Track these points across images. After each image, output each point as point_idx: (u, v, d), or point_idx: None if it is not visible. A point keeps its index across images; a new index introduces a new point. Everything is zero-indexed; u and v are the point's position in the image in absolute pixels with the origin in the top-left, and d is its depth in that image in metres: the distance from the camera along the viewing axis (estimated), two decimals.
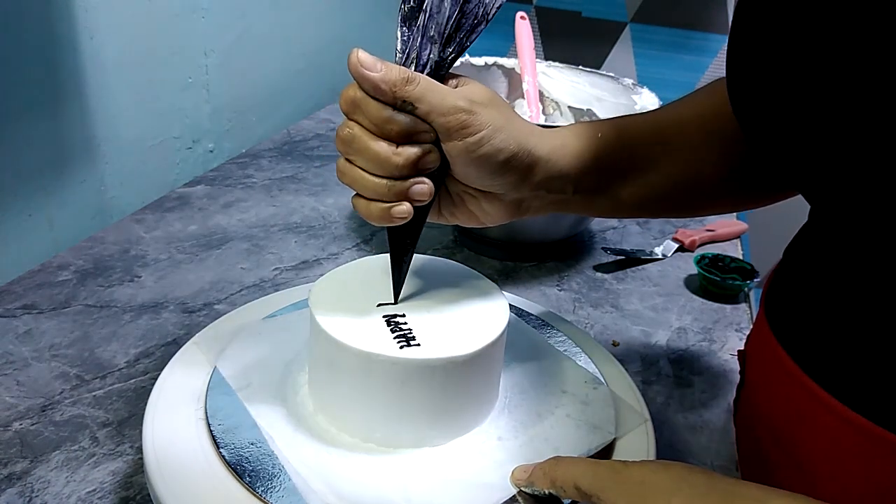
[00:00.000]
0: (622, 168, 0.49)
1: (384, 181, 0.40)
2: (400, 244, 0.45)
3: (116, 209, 0.90)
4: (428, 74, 0.41)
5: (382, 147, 0.40)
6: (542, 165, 0.45)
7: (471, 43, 0.42)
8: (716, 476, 0.32)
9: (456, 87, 0.42)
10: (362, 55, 0.39)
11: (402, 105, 0.39)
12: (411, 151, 0.40)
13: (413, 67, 0.41)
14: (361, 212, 0.42)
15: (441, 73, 0.42)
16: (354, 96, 0.40)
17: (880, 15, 0.30)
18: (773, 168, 0.45)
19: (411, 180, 0.41)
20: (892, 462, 0.37)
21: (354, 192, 0.42)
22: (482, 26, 0.41)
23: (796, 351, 0.42)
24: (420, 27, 0.40)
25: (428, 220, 0.46)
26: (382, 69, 0.39)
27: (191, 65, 0.99)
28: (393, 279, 0.47)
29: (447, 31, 0.41)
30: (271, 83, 1.20)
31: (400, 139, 0.40)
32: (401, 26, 0.41)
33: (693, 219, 1.02)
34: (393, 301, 0.47)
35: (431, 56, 0.41)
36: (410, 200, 0.41)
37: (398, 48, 0.41)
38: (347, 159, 0.41)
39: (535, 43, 1.32)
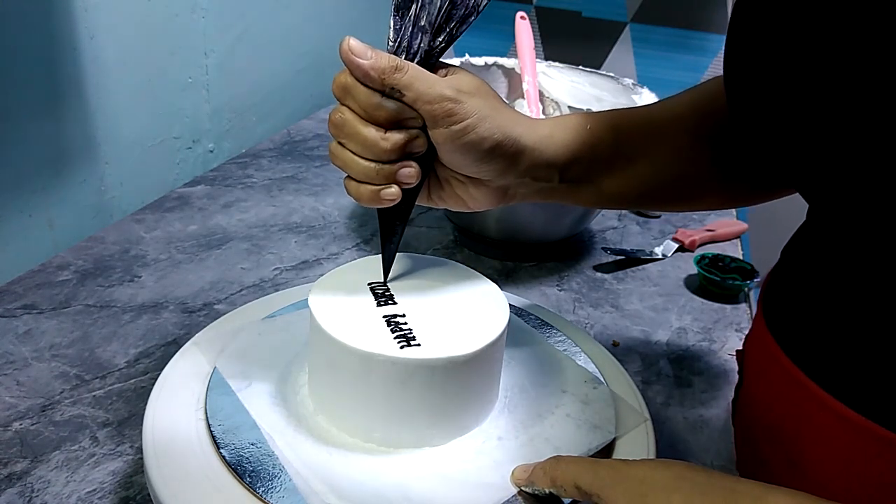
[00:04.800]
0: (608, 160, 0.50)
1: (373, 164, 0.42)
2: (389, 225, 0.47)
3: (116, 209, 0.90)
4: (418, 63, 0.42)
5: (371, 132, 0.41)
6: (528, 154, 0.46)
7: (460, 34, 0.43)
8: (716, 474, 0.32)
9: (445, 77, 0.43)
10: (353, 43, 0.40)
11: (391, 92, 0.41)
12: (398, 137, 0.41)
13: (404, 56, 0.42)
14: (352, 193, 0.43)
15: (431, 62, 0.43)
16: (346, 82, 0.41)
17: (878, 12, 0.30)
18: (769, 165, 0.45)
19: (399, 164, 0.42)
20: (889, 459, 0.37)
21: (346, 175, 0.43)
22: (473, 18, 0.42)
23: (793, 350, 0.42)
24: (412, 17, 0.41)
25: (419, 205, 0.48)
26: (372, 57, 0.40)
27: (191, 65, 0.99)
28: (382, 259, 0.48)
29: (438, 22, 0.42)
30: (271, 83, 1.20)
31: (388, 124, 0.41)
32: (393, 15, 0.42)
33: (693, 219, 1.02)
34: (382, 281, 0.49)
35: (422, 45, 0.42)
36: (398, 183, 0.43)
37: (390, 37, 0.42)
38: (339, 143, 0.43)
39: (535, 43, 1.32)
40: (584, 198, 0.51)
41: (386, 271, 0.48)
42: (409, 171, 0.43)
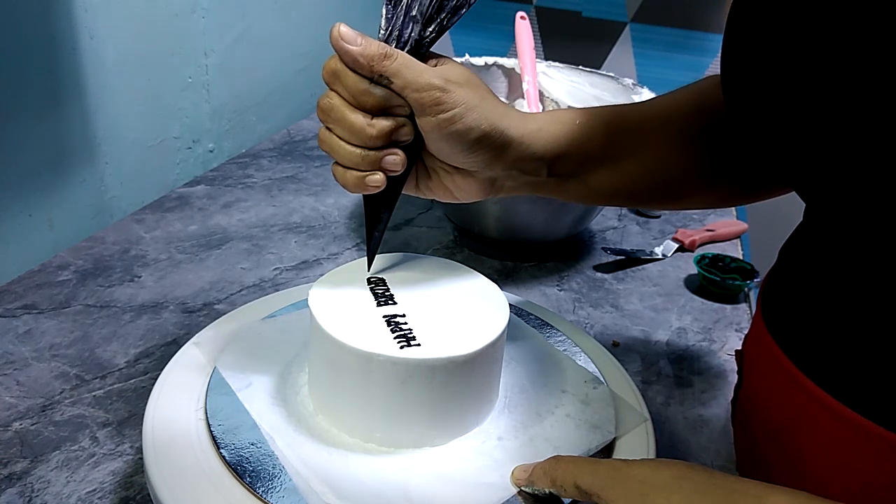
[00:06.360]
0: (598, 156, 0.50)
1: (359, 150, 0.42)
2: (374, 213, 0.47)
3: (116, 209, 0.90)
4: (408, 52, 0.42)
5: (358, 118, 0.41)
6: (516, 147, 0.46)
7: (451, 24, 0.43)
8: (716, 473, 0.32)
9: (435, 66, 0.43)
10: (343, 29, 0.41)
11: (379, 79, 0.41)
12: (385, 124, 0.42)
13: (394, 44, 0.42)
14: (338, 179, 0.44)
15: (421, 51, 0.43)
16: (335, 67, 0.41)
17: (875, 9, 0.30)
18: (766, 163, 0.45)
19: (385, 151, 0.43)
20: (888, 459, 0.37)
21: (333, 161, 0.44)
22: (464, 9, 0.43)
23: (792, 349, 0.42)
24: (404, 6, 0.42)
25: (406, 193, 0.48)
26: (362, 43, 0.40)
27: (191, 65, 0.99)
28: (367, 248, 0.48)
29: (429, 12, 0.42)
30: (271, 83, 1.20)
31: (375, 111, 0.42)
32: (386, 4, 0.42)
33: (693, 219, 1.02)
34: (369, 272, 0.49)
35: (412, 35, 0.42)
36: (384, 170, 0.43)
37: (382, 25, 0.43)
38: (327, 128, 0.43)
39: (535, 43, 1.32)
40: (572, 193, 0.52)
41: (370, 260, 0.49)
42: (395, 159, 0.43)
